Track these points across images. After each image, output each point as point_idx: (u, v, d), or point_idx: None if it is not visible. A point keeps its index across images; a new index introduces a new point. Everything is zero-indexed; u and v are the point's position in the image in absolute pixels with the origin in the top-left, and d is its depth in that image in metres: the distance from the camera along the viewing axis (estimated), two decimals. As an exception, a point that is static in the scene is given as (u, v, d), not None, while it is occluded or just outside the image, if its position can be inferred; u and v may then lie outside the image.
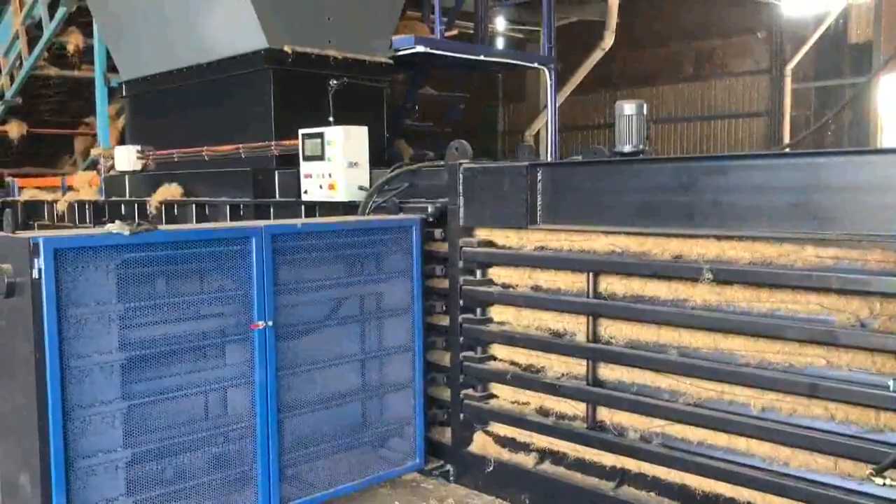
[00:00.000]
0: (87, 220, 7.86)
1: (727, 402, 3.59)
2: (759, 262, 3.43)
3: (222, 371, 3.90)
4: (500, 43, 13.02)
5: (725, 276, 3.51)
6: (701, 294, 3.63)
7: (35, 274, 3.23)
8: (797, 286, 3.32)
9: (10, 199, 9.26)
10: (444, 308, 4.77)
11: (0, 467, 3.67)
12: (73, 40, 9.07)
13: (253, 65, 6.14)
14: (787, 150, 12.34)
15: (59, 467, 3.29)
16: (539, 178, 4.28)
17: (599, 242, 4.00)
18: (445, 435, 4.78)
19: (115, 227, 3.50)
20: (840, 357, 3.23)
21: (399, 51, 6.94)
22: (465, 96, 9.89)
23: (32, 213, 8.84)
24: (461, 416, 4.66)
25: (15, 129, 10.03)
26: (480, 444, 4.60)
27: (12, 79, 9.71)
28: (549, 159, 8.53)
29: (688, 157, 3.97)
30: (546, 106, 10.28)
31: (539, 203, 4.28)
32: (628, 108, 4.71)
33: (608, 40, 11.89)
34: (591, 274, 4.01)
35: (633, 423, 3.94)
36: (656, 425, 3.84)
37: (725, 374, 3.56)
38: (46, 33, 8.90)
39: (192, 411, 3.78)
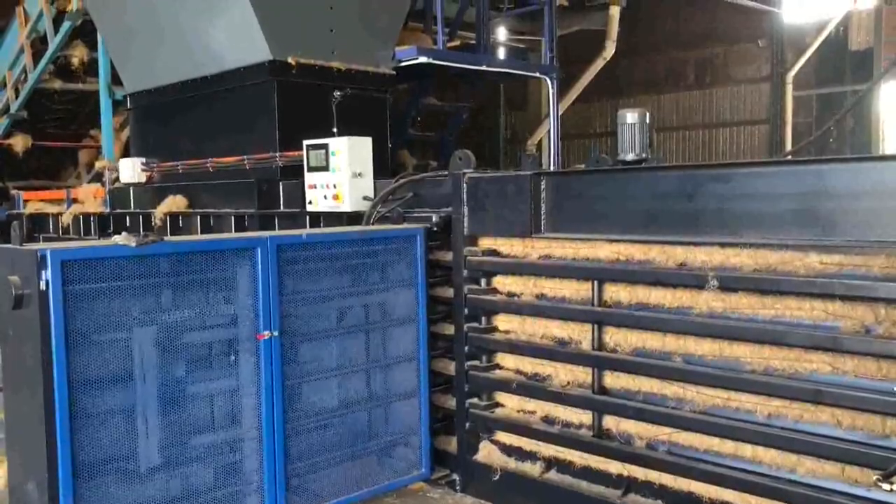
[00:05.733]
0: (93, 233, 7.91)
1: (733, 409, 3.59)
2: (763, 269, 3.43)
3: (227, 381, 3.90)
4: (501, 53, 13.05)
5: (730, 283, 3.52)
6: (706, 301, 3.63)
7: (42, 286, 3.26)
8: (802, 293, 3.33)
9: (15, 211, 9.31)
10: (449, 317, 4.78)
11: (9, 474, 3.69)
12: (78, 54, 9.13)
13: (257, 76, 6.18)
14: (790, 157, 12.36)
15: (67, 473, 3.30)
16: (543, 187, 4.30)
17: (604, 250, 4.01)
18: (451, 444, 4.78)
19: (121, 238, 3.53)
20: (845, 363, 3.23)
21: (402, 62, 6.99)
22: (467, 106, 9.92)
23: (38, 226, 8.88)
24: (467, 425, 4.66)
25: (20, 143, 10.07)
26: (486, 453, 4.60)
27: (17, 92, 9.76)
28: (551, 168, 8.55)
29: (691, 164, 3.99)
30: (548, 114, 10.32)
31: (543, 212, 4.30)
32: (630, 116, 4.73)
33: (609, 50, 11.94)
34: (595, 282, 4.02)
35: (640, 431, 3.93)
36: (662, 433, 3.84)
37: (731, 382, 3.56)
38: (51, 47, 8.95)
39: (197, 421, 3.78)
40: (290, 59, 6.06)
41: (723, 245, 3.56)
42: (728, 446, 3.62)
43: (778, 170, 3.52)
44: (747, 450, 3.55)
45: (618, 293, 3.97)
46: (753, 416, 3.51)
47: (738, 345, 3.55)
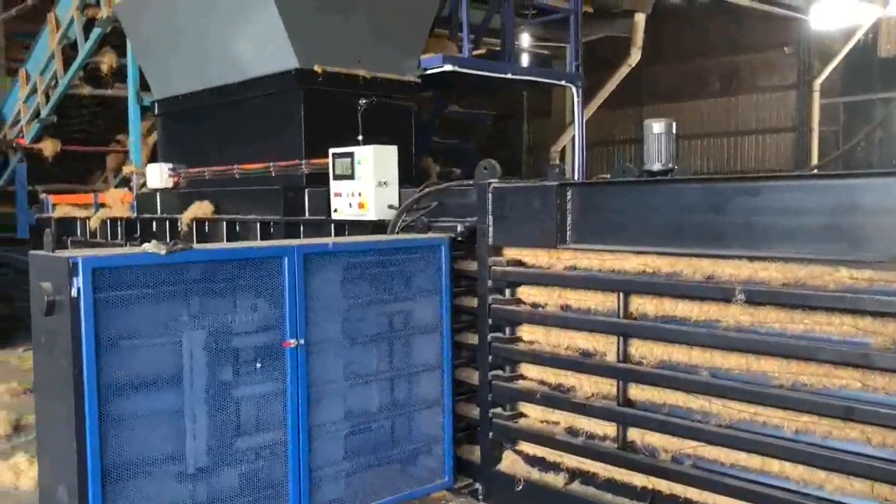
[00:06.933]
0: (119, 237, 7.99)
1: (760, 423, 3.56)
2: (791, 283, 3.41)
3: (253, 388, 3.93)
4: (525, 59, 13.05)
5: (758, 297, 3.50)
6: (733, 315, 3.61)
7: (73, 293, 3.30)
8: (831, 308, 3.30)
9: (44, 215, 9.44)
10: (472, 326, 4.78)
11: (40, 477, 3.75)
12: (107, 60, 9.22)
13: (284, 84, 6.22)
14: (818, 170, 12.23)
15: (96, 477, 3.34)
16: (569, 197, 4.29)
17: (630, 262, 4.00)
18: (474, 453, 4.78)
19: (150, 246, 3.57)
20: (876, 380, 3.19)
21: (427, 70, 7.00)
22: (490, 114, 9.93)
23: (66, 230, 8.99)
24: (490, 434, 4.66)
25: (49, 147, 10.19)
26: (509, 463, 4.59)
27: (47, 97, 9.90)
28: (576, 178, 8.53)
29: (718, 177, 3.96)
30: (572, 122, 10.30)
31: (569, 223, 4.29)
32: (657, 126, 4.73)
33: (635, 57, 11.89)
34: (621, 294, 4.01)
35: (664, 444, 3.92)
36: (688, 446, 3.82)
37: (758, 396, 3.53)
38: (82, 54, 9.06)
39: (224, 427, 3.81)
40: (316, 68, 6.10)
41: (751, 259, 3.54)
42: (755, 461, 3.59)
43: (807, 184, 3.50)
44: (774, 465, 3.52)
45: (644, 305, 3.95)
46: (781, 431, 3.48)
47: (766, 359, 3.52)
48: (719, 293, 3.62)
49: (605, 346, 4.12)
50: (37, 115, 10.05)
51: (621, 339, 4.02)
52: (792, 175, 3.84)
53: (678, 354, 3.84)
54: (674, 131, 4.77)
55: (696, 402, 3.78)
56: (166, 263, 3.56)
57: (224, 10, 6.44)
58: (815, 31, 16.40)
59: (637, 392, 4.03)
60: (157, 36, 7.49)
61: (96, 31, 8.74)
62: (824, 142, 16.49)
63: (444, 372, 4.67)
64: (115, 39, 8.93)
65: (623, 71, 12.20)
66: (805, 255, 3.37)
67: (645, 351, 3.96)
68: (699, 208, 3.77)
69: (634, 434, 4.05)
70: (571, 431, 4.32)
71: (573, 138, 10.01)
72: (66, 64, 9.45)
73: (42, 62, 9.85)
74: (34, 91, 10.06)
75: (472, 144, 9.63)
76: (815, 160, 16.33)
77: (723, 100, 18.01)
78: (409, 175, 6.26)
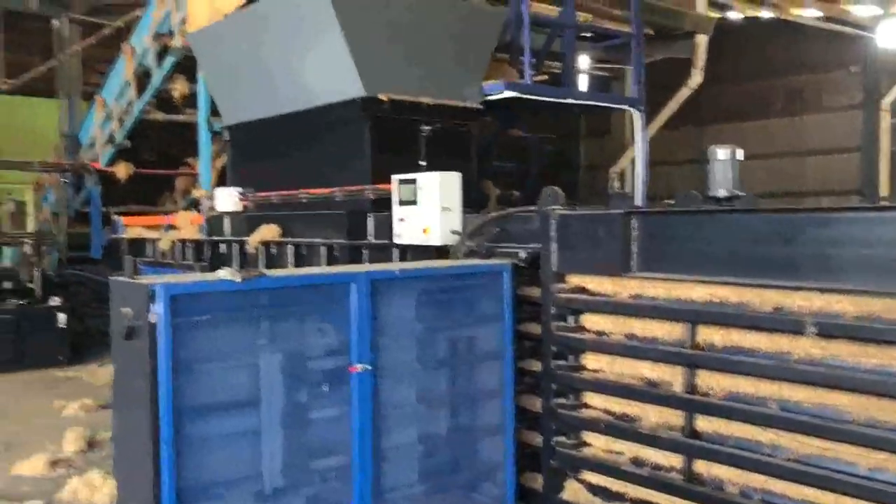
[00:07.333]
0: (189, 258, 8.22)
1: (831, 459, 3.49)
2: (865, 316, 3.34)
3: (321, 412, 4.01)
4: (584, 81, 13.02)
5: (830, 329, 3.44)
6: (803, 347, 3.55)
7: (152, 318, 3.43)
8: (908, 343, 3.23)
9: (115, 236, 9.79)
10: (535, 353, 4.79)
11: (119, 493, 3.88)
12: (179, 87, 9.57)
13: (351, 112, 6.36)
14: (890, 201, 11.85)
15: (171, 496, 3.45)
16: (634, 225, 4.29)
17: (696, 292, 3.96)
18: (537, 481, 4.77)
19: (225, 273, 3.69)
20: (956, 419, 3.11)
21: (489, 96, 7.08)
22: (549, 137, 9.93)
23: (136, 251, 9.30)
24: (553, 462, 4.65)
25: (123, 170, 10.60)
26: (572, 492, 4.57)
27: (121, 122, 10.30)
28: (639, 203, 8.46)
29: (788, 207, 3.92)
30: (631, 143, 10.24)
31: (634, 250, 4.28)
32: (721, 153, 4.70)
33: (696, 78, 11.79)
34: (689, 324, 3.97)
35: (732, 477, 3.86)
36: (756, 480, 3.75)
37: (830, 431, 3.46)
38: (155, 81, 9.43)
39: (293, 449, 3.90)
40: (381, 96, 6.23)
41: (822, 290, 3.48)
42: (828, 499, 3.50)
43: (880, 215, 3.44)
44: (848, 503, 3.44)
45: (711, 336, 3.91)
46: (854, 468, 3.40)
47: (838, 393, 3.45)
48: (789, 325, 3.56)
49: (671, 376, 4.09)
50: (111, 139, 10.45)
51: (688, 369, 3.99)
52: (865, 206, 3.78)
53: (746, 386, 3.79)
54: (739, 157, 4.73)
55: (764, 436, 3.72)
56: (240, 289, 3.67)
57: (293, 40, 6.64)
58: (883, 49, 16.01)
59: (704, 423, 3.98)
60: (227, 64, 7.74)
61: (169, 60, 9.08)
62: (893, 161, 16.03)
63: (506, 398, 4.69)
64: (186, 67, 9.26)
65: (684, 93, 12.11)
66: (881, 288, 3.30)
67: (712, 382, 3.92)
68: (768, 238, 3.72)
69: (701, 466, 3.99)
70: (636, 462, 4.28)
71: (633, 160, 9.94)
72: (140, 90, 9.83)
73: (117, 89, 10.26)
74: (109, 117, 10.47)
75: (534, 168, 9.64)
76: (883, 181, 15.88)
77: (786, 120, 17.64)
78: (468, 198, 6.31)
